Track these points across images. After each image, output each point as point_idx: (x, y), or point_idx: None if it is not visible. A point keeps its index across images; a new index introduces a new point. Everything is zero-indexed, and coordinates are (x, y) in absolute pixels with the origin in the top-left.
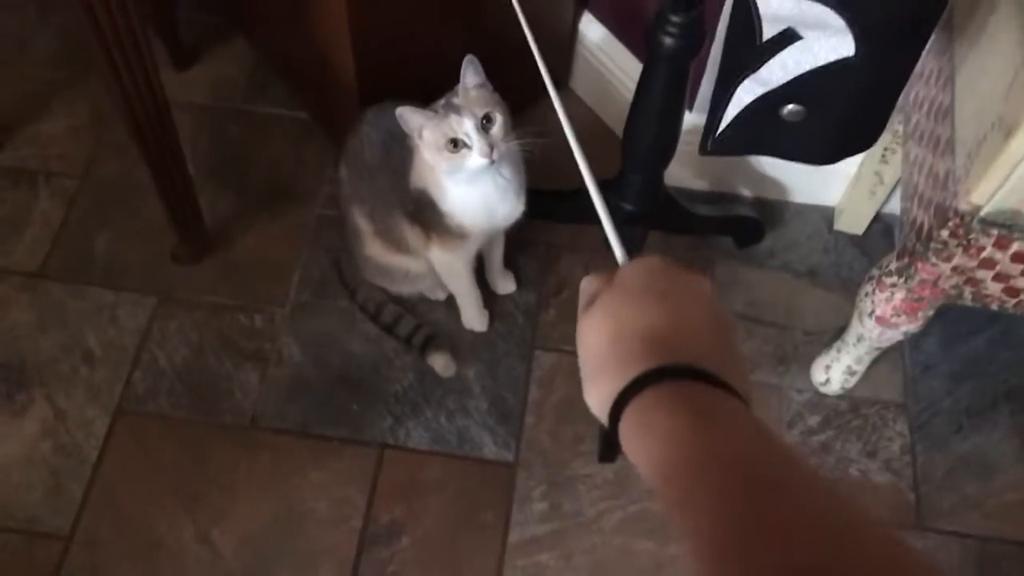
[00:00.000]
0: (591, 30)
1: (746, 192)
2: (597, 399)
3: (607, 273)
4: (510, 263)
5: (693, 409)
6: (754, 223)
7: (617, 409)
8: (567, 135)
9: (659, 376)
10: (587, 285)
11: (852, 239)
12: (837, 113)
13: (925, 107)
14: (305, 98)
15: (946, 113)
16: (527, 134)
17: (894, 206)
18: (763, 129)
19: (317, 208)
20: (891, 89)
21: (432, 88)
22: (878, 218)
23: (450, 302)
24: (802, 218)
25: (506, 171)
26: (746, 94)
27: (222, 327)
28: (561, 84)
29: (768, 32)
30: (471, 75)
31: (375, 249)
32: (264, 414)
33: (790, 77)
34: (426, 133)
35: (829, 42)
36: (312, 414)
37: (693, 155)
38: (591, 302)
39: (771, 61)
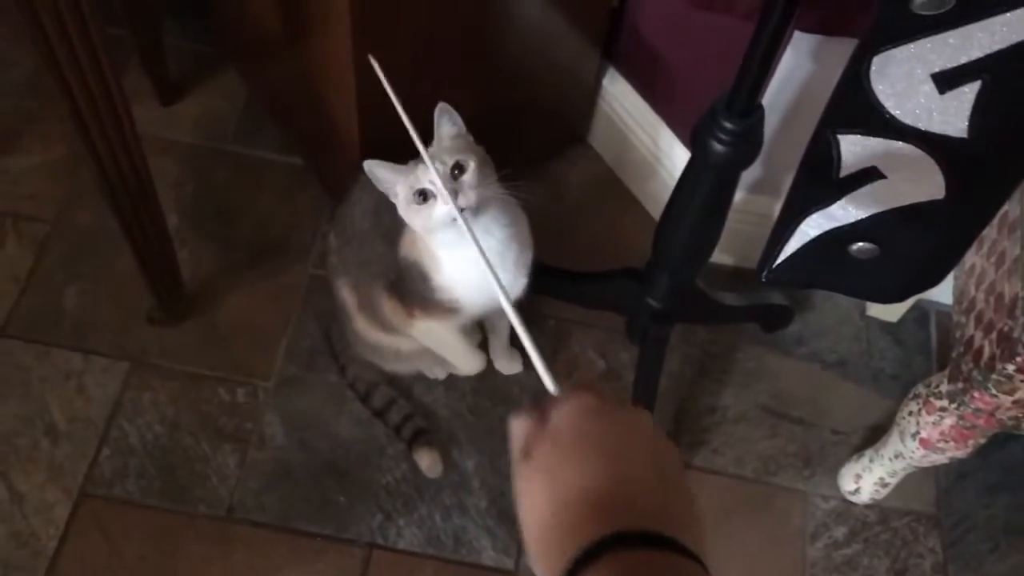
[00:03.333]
0: (615, 86)
1: None
2: (545, 573)
3: (537, 413)
4: (515, 340)
5: None
6: (783, 309)
7: None
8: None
9: (608, 546)
10: (517, 430)
11: (885, 326)
12: (913, 253)
13: None
14: (301, 144)
15: (1013, 227)
16: (514, 186)
17: (930, 292)
18: (827, 264)
19: (309, 267)
20: (975, 228)
21: None
22: (914, 305)
23: (450, 382)
24: (832, 302)
25: (497, 233)
26: (812, 228)
27: (200, 401)
28: (580, 138)
29: (847, 168)
30: (446, 124)
31: (361, 324)
32: (242, 504)
33: (864, 215)
34: (398, 188)
35: (916, 183)
36: (294, 506)
37: None
38: (526, 451)
39: (845, 198)
